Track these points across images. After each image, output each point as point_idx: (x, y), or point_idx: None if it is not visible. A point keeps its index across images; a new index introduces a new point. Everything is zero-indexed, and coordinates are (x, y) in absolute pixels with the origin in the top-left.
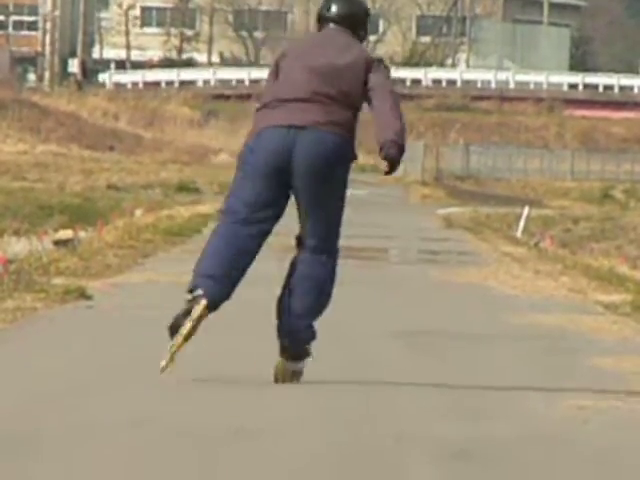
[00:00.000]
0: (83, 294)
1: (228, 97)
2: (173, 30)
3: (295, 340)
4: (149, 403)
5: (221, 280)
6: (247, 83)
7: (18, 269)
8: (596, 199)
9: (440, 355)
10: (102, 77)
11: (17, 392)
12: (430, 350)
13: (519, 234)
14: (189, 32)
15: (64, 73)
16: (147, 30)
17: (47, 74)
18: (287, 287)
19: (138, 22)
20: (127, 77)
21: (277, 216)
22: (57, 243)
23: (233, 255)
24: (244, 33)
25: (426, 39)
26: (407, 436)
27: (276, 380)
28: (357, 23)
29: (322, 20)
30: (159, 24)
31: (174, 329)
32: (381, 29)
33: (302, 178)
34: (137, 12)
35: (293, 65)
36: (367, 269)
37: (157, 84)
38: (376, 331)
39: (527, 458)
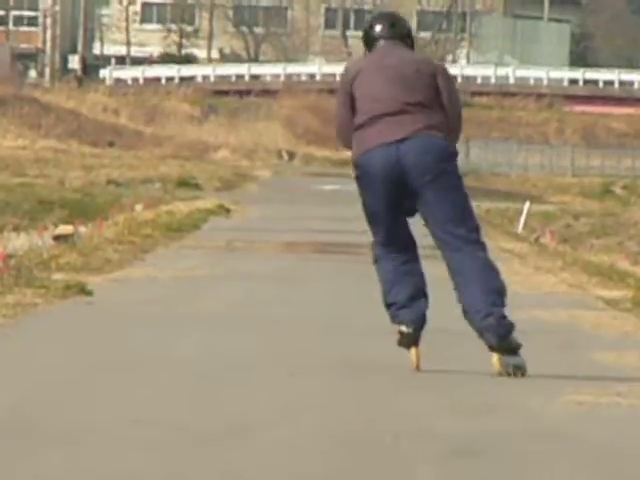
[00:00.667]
0: (83, 289)
1: (228, 93)
2: (173, 26)
3: (494, 335)
4: (148, 399)
5: (411, 303)
6: (247, 79)
7: (18, 264)
8: (596, 195)
9: (440, 351)
10: (102, 73)
11: (17, 387)
12: (430, 346)
13: (519, 230)
14: (189, 28)
15: (64, 69)
16: (147, 26)
17: (47, 70)
18: (457, 289)
19: (138, 18)
20: (127, 73)
21: (404, 219)
22: (57, 238)
23: (405, 275)
24: (244, 29)
25: (426, 35)
26: (407, 433)
27: (499, 374)
28: (403, 36)
29: (370, 40)
30: (159, 20)
31: (404, 345)
32: None
33: (419, 184)
34: (137, 8)
35: (372, 82)
36: (366, 265)
37: (157, 80)
38: (375, 327)
39: (528, 454)
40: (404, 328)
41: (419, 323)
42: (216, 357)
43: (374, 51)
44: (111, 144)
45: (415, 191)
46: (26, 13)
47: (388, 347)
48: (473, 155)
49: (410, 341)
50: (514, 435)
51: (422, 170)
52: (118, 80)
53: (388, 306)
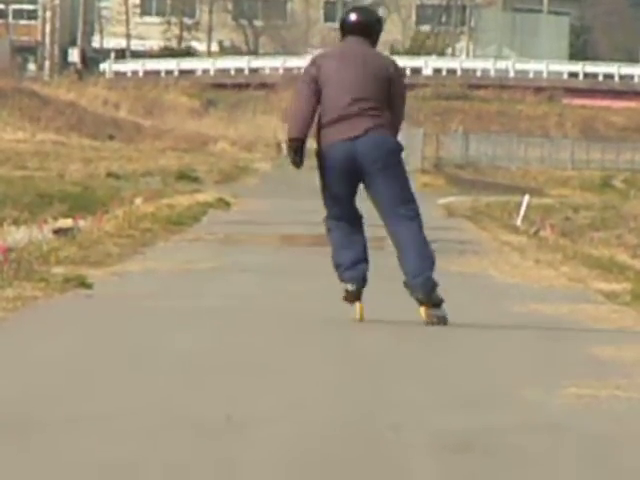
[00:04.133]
0: (83, 283)
1: (227, 86)
2: (173, 19)
3: (421, 291)
4: (147, 391)
5: (354, 266)
6: (246, 72)
7: (18, 258)
8: (596, 188)
9: (439, 344)
10: (102, 66)
11: (16, 381)
12: (429, 339)
13: (519, 223)
14: (189, 21)
15: (64, 62)
16: (147, 19)
17: (47, 63)
18: (399, 257)
19: (138, 11)
20: (127, 66)
21: (355, 196)
22: (57, 232)
23: (351, 241)
24: (244, 22)
25: (426, 28)
26: (406, 427)
27: (426, 324)
28: (371, 34)
29: (343, 31)
30: (159, 13)
31: (349, 300)
32: None
33: (372, 172)
34: (137, 1)
35: (337, 87)
36: None
37: (157, 73)
38: (374, 321)
39: (526, 447)
40: (349, 286)
41: (361, 282)
42: (215, 350)
43: (342, 47)
44: (111, 137)
45: (367, 178)
46: (25, 6)
47: (385, 339)
48: (472, 148)
49: (354, 297)
50: (512, 428)
51: (373, 161)
52: (118, 73)
53: (337, 266)
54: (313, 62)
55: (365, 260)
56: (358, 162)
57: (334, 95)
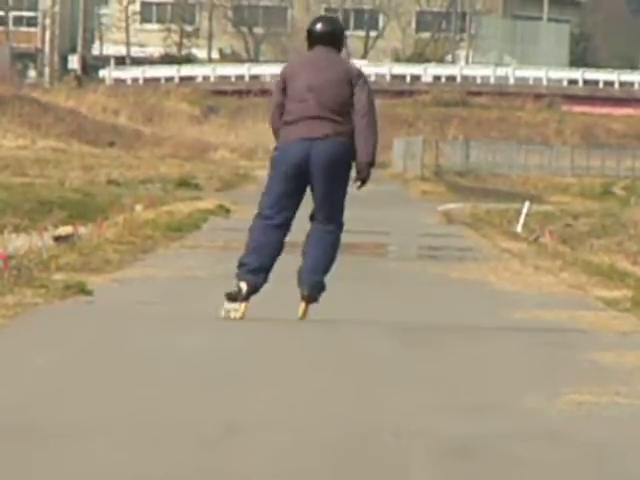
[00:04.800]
0: (83, 289)
1: (227, 93)
2: (173, 26)
3: (307, 289)
4: (148, 398)
5: (257, 273)
6: (247, 79)
7: (18, 265)
8: (596, 195)
9: (439, 350)
10: (102, 73)
11: (17, 387)
12: (429, 345)
13: (519, 230)
14: (189, 28)
15: (64, 69)
16: (147, 26)
17: (47, 70)
18: (305, 252)
19: (138, 18)
20: (127, 73)
21: (297, 205)
22: (57, 239)
23: (266, 249)
24: (244, 29)
25: (426, 35)
26: (405, 432)
27: (301, 319)
28: (337, 43)
29: (310, 40)
30: (159, 20)
31: (231, 298)
32: (381, 25)
33: (318, 176)
34: (137, 8)
35: (301, 85)
36: (366, 265)
37: (157, 80)
38: (374, 326)
39: (527, 454)
40: (245, 286)
41: (255, 289)
42: (216, 356)
43: (310, 55)
44: (112, 144)
45: (313, 181)
46: (26, 13)
47: (387, 345)
48: (472, 155)
49: (245, 297)
50: (512, 435)
51: (323, 166)
52: (118, 80)
53: (241, 265)
54: (279, 79)
55: (267, 273)
56: (310, 163)
57: (297, 98)
